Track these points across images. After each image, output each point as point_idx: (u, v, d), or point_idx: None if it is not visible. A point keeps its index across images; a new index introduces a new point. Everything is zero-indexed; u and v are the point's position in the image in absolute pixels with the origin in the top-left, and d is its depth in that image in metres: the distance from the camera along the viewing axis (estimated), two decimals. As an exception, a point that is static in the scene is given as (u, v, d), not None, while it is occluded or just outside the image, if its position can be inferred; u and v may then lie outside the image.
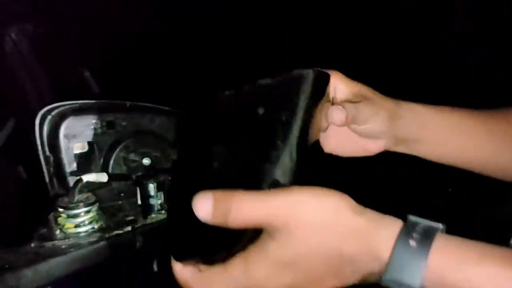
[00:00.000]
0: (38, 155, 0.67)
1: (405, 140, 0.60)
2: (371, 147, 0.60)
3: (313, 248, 0.42)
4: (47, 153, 0.67)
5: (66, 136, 0.67)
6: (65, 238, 0.62)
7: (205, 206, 0.42)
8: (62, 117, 0.67)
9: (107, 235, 0.63)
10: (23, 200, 0.68)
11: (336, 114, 0.56)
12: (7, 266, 0.58)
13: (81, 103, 0.69)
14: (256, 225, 0.42)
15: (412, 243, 0.41)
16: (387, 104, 0.58)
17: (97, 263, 0.62)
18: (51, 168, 0.67)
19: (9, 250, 0.60)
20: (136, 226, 0.65)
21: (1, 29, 0.72)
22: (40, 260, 0.59)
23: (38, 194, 0.68)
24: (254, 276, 0.42)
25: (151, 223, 0.66)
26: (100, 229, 0.64)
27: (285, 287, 0.43)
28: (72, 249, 0.61)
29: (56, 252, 0.60)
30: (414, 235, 0.41)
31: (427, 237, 0.41)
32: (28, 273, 0.58)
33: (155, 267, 0.72)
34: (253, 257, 0.42)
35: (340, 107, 0.56)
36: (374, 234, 0.42)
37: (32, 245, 0.62)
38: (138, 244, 0.64)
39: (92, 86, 0.79)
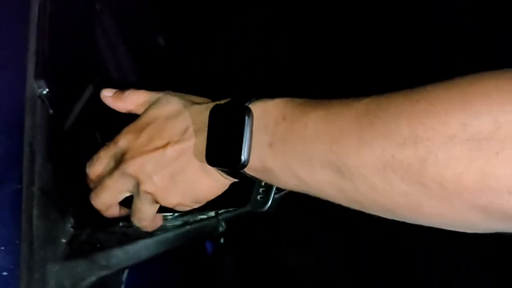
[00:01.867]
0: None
1: None
2: None
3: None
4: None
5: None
6: (152, 220, 0.64)
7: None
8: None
9: (191, 220, 0.65)
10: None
11: None
12: (98, 245, 0.61)
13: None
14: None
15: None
16: None
17: (180, 246, 0.64)
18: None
19: (99, 229, 0.63)
20: (220, 211, 0.67)
21: None
22: (130, 241, 0.62)
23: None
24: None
25: (235, 210, 0.68)
26: (185, 213, 0.66)
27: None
28: (159, 232, 0.63)
29: (143, 233, 0.63)
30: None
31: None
32: (119, 253, 0.61)
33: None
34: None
35: None
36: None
37: (120, 224, 0.65)
38: (221, 229, 0.66)
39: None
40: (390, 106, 0.40)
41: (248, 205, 0.57)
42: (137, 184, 0.54)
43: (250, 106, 0.48)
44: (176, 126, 0.53)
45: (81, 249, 0.60)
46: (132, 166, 0.53)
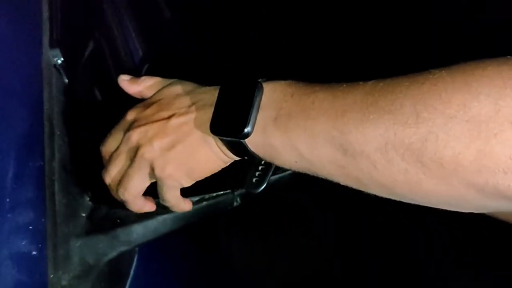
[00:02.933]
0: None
1: None
2: None
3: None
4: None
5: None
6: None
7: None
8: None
9: (207, 196, 0.66)
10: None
11: None
12: (118, 220, 0.62)
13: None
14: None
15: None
16: None
17: (197, 221, 0.66)
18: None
19: (117, 204, 0.64)
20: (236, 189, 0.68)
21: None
22: (148, 216, 0.63)
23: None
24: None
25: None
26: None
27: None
28: (177, 208, 0.64)
29: (161, 209, 0.64)
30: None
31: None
32: (138, 229, 0.62)
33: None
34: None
35: None
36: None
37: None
38: (235, 204, 0.68)
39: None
40: (396, 87, 0.42)
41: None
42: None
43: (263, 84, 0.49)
44: (184, 101, 0.54)
45: (101, 225, 0.62)
46: (135, 134, 0.54)
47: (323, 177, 0.47)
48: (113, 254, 0.60)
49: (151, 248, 0.70)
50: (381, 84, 0.42)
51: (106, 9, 0.75)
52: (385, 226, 0.68)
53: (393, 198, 0.45)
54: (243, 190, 0.68)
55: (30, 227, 0.53)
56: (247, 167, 0.57)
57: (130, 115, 0.56)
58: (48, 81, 0.64)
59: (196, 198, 0.66)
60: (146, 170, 0.54)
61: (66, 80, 0.67)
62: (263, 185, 0.56)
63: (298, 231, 0.74)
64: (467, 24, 0.63)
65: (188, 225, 0.65)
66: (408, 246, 0.68)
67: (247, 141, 0.48)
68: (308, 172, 0.48)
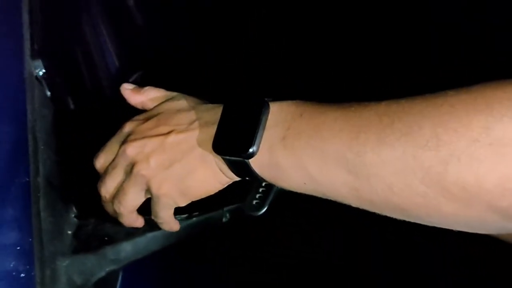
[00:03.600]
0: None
1: None
2: None
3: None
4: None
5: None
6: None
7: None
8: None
9: (197, 212, 0.65)
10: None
11: None
12: (106, 238, 0.60)
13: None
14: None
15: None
16: None
17: (187, 238, 0.64)
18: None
19: (106, 221, 0.62)
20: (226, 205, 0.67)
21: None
22: (139, 234, 0.61)
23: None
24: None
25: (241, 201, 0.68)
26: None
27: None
28: (166, 225, 0.63)
29: (152, 225, 0.62)
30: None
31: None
32: (127, 247, 0.60)
33: None
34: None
35: None
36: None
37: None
38: (224, 220, 0.66)
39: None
40: (412, 108, 0.41)
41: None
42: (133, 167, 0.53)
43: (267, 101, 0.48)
44: (184, 117, 0.53)
45: (88, 242, 0.59)
46: (131, 148, 0.52)
47: (333, 199, 0.46)
48: (101, 273, 0.58)
49: (135, 264, 0.68)
50: (395, 105, 0.42)
51: (84, 18, 0.73)
52: (397, 240, 0.67)
53: (408, 220, 0.44)
54: (233, 206, 0.67)
55: (18, 248, 0.51)
56: (245, 186, 0.56)
57: (128, 127, 0.54)
58: (30, 94, 0.62)
59: (185, 215, 0.64)
60: (142, 187, 0.52)
61: (49, 93, 0.65)
62: (264, 207, 0.54)
63: (304, 247, 0.73)
64: (467, 24, 0.63)
65: (177, 243, 0.63)
66: (420, 261, 0.67)
67: (252, 161, 0.47)
68: (316, 194, 0.47)
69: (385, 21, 0.72)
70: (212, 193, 0.53)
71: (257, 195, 0.54)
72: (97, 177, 0.58)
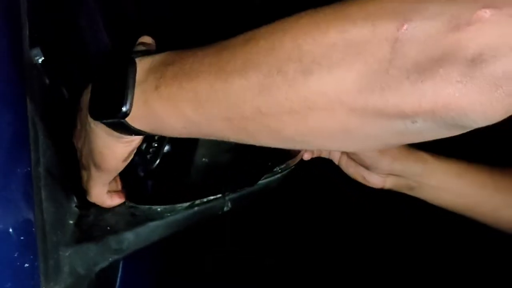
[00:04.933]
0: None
1: (407, 184, 0.66)
2: (371, 179, 0.67)
3: None
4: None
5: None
6: (159, 202, 0.64)
7: None
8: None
9: (198, 201, 0.65)
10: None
11: None
12: (108, 228, 0.60)
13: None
14: None
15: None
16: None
17: (189, 228, 0.64)
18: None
19: (105, 210, 0.62)
20: (226, 192, 0.67)
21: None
22: (139, 223, 0.61)
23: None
24: None
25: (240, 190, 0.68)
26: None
27: None
28: (169, 214, 0.62)
29: (153, 215, 0.62)
30: None
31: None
32: (130, 236, 0.60)
33: None
34: None
35: None
36: None
37: (126, 203, 0.63)
38: (225, 208, 0.66)
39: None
40: (275, 27, 0.42)
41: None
42: None
43: (136, 59, 0.48)
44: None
45: (90, 232, 0.59)
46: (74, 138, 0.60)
47: (214, 138, 0.47)
48: (104, 263, 0.58)
49: (135, 254, 0.68)
50: (260, 28, 0.43)
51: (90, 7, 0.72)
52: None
53: (283, 146, 0.45)
54: (234, 195, 0.67)
55: (21, 238, 0.50)
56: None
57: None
58: (29, 82, 0.61)
59: (186, 204, 0.64)
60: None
61: (47, 81, 0.64)
62: (157, 160, 0.56)
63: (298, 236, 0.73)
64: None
65: (179, 232, 0.63)
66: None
67: (131, 119, 0.47)
68: (198, 136, 0.48)
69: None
70: (125, 155, 0.54)
71: (151, 149, 0.55)
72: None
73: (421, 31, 0.36)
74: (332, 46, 0.39)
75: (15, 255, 0.49)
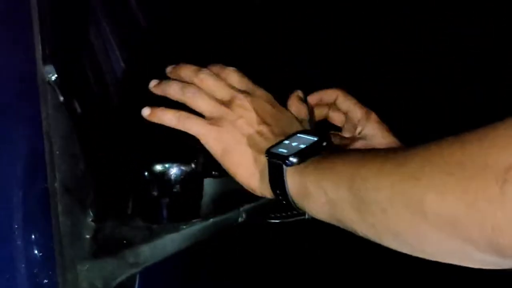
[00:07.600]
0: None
1: None
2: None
3: None
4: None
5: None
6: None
7: None
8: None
9: (214, 214, 0.65)
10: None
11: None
12: (125, 241, 0.60)
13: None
14: None
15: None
16: None
17: (205, 239, 0.64)
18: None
19: (122, 224, 0.62)
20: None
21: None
22: (156, 237, 0.61)
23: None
24: None
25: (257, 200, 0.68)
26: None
27: None
28: (184, 226, 0.63)
29: (168, 228, 0.62)
30: None
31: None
32: (146, 249, 0.60)
33: None
34: None
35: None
36: None
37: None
38: (240, 219, 0.67)
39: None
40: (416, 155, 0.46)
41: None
42: None
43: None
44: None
45: (107, 246, 0.59)
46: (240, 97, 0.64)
47: (347, 228, 0.52)
48: (122, 277, 0.58)
49: (152, 267, 0.68)
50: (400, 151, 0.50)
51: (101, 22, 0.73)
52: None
53: (406, 251, 0.48)
54: (249, 206, 0.67)
55: (40, 254, 0.51)
56: None
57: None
58: (44, 99, 0.62)
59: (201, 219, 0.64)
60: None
61: (62, 98, 0.64)
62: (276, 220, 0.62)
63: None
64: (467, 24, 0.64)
65: (195, 244, 0.63)
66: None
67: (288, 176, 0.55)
68: (335, 222, 0.53)
69: (385, 21, 0.73)
70: (239, 176, 0.61)
71: (283, 214, 0.59)
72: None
73: None
74: (449, 176, 0.42)
75: (35, 271, 0.50)
